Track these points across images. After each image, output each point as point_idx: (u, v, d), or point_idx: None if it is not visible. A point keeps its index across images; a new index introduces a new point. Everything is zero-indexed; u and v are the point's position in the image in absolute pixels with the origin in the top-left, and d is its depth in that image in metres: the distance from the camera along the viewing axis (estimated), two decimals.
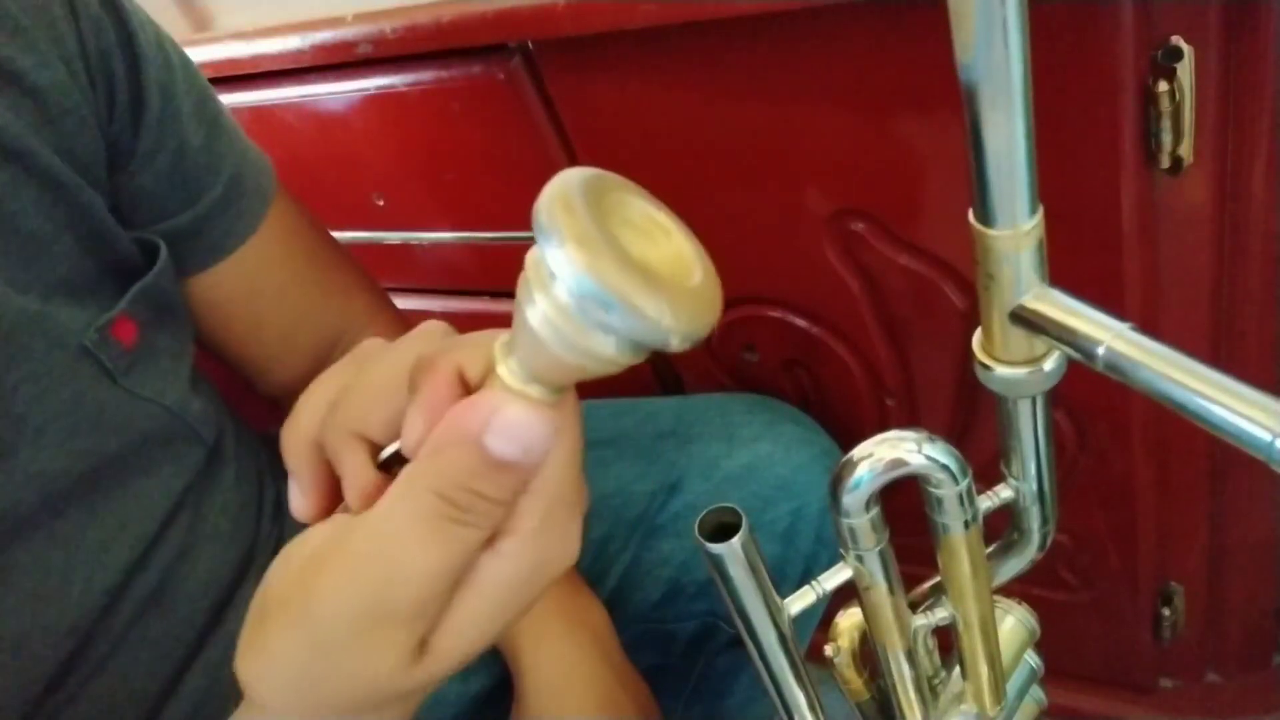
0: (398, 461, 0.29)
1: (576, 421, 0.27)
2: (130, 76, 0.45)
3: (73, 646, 0.43)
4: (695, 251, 0.26)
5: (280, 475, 0.32)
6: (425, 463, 0.26)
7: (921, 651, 0.42)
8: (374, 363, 0.30)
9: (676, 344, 0.23)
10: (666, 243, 0.26)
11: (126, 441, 0.44)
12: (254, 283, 0.53)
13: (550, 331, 0.24)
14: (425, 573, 0.25)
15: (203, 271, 0.51)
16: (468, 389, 0.27)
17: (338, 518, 0.29)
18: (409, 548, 0.25)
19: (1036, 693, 0.48)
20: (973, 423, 0.68)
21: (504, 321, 0.25)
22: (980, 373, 0.33)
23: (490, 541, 0.27)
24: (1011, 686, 0.46)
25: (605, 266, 0.22)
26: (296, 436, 0.31)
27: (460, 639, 0.27)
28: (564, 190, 0.23)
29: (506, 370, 0.25)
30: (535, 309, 0.24)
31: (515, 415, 0.25)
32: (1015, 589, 0.44)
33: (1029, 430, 0.36)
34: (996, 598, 0.43)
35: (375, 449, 0.30)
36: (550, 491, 0.27)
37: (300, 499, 0.31)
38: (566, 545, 0.28)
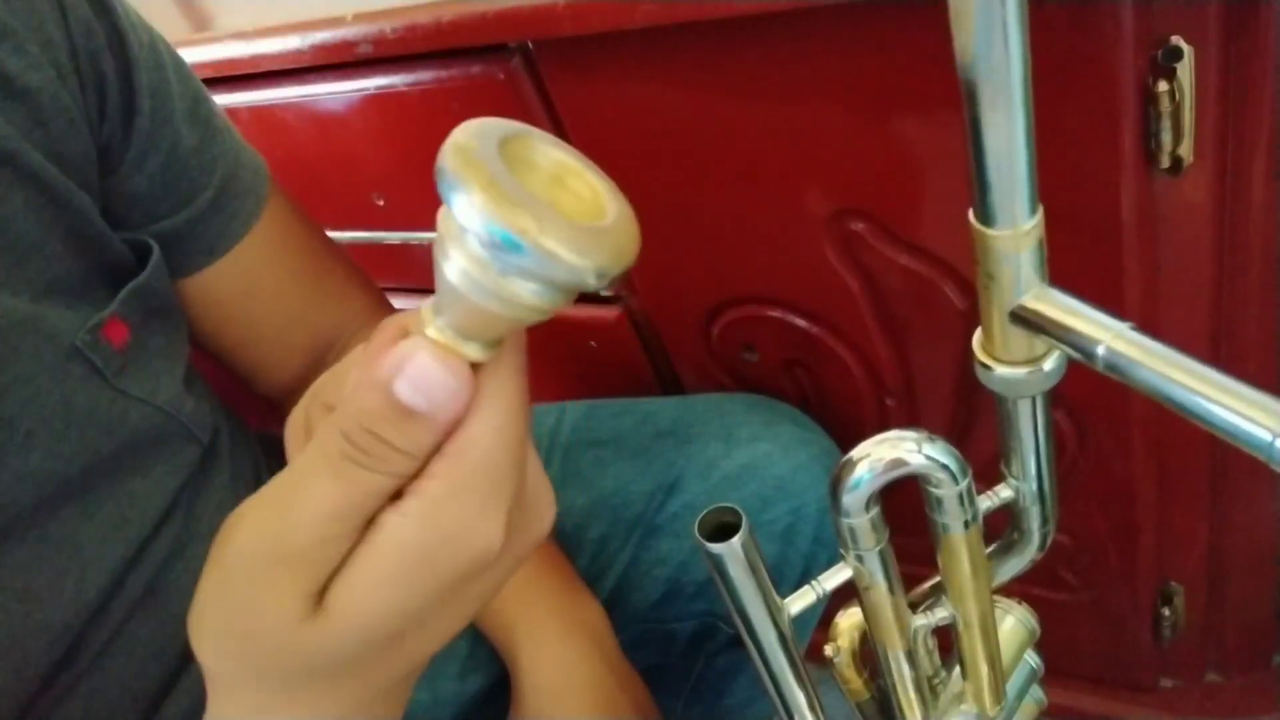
0: None
1: (514, 394, 0.26)
2: (121, 78, 0.45)
3: (66, 645, 0.43)
4: (609, 191, 0.26)
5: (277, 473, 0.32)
6: (341, 405, 0.26)
7: (921, 651, 0.42)
8: None
9: (594, 282, 0.23)
10: (579, 184, 0.26)
11: (119, 442, 0.44)
12: (249, 283, 0.53)
13: (467, 283, 0.24)
14: (319, 510, 0.25)
15: (197, 272, 0.51)
16: None
17: None
18: (308, 484, 0.25)
19: (1036, 693, 0.48)
20: (973, 423, 0.68)
21: None
22: (980, 373, 0.33)
23: (396, 498, 0.26)
24: (1011, 686, 0.46)
25: (510, 209, 0.22)
26: (292, 422, 0.31)
27: (356, 601, 0.26)
28: (464, 140, 0.23)
29: (435, 329, 0.25)
30: (450, 263, 0.24)
31: (424, 361, 0.25)
32: (1015, 589, 0.44)
33: (1029, 430, 0.36)
34: (996, 598, 0.43)
35: None
36: (469, 459, 0.26)
37: None
38: (485, 527, 0.26)
